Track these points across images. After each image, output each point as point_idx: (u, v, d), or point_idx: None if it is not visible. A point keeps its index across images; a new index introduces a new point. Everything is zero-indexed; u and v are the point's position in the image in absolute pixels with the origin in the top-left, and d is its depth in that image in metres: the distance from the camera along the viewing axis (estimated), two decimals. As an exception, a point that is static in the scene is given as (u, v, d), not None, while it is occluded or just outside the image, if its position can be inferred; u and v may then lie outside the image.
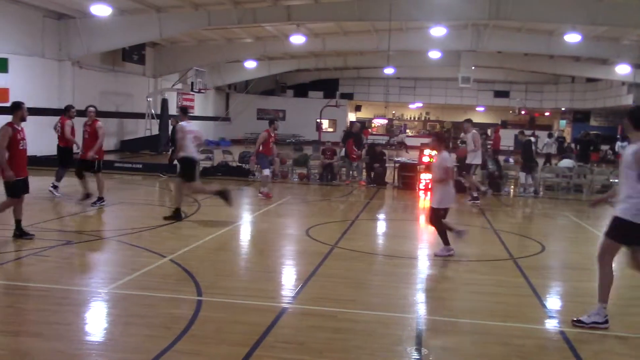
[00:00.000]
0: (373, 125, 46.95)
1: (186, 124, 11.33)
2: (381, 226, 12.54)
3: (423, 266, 8.50)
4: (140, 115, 30.15)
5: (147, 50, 30.51)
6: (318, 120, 41.29)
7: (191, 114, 38.65)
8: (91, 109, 12.68)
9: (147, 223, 10.46)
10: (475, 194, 14.86)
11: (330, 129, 43.77)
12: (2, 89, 21.25)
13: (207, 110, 40.67)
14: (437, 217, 8.83)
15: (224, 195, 11.27)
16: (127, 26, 24.42)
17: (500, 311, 6.39)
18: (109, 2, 20.43)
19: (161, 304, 6.15)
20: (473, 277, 7.63)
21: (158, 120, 30.19)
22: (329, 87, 44.82)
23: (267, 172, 14.82)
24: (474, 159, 15.01)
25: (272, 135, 14.74)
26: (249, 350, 4.99)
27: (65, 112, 13.99)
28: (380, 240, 11.06)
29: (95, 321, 5.87)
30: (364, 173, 18.96)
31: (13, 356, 4.70)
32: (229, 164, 19.53)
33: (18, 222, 8.88)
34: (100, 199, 12.23)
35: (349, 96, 45.53)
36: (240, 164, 19.57)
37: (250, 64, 36.36)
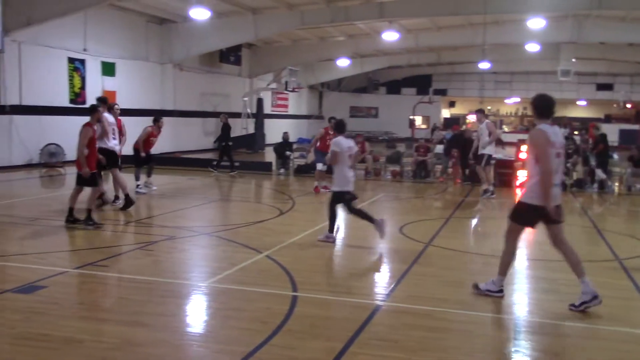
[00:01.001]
0: (468, 121, 45.98)
1: (108, 115, 11.42)
2: (477, 224, 12.29)
3: (520, 266, 8.26)
4: (237, 115, 30.96)
5: (243, 51, 31.31)
6: (411, 117, 40.94)
7: (285, 113, 39.52)
8: (116, 106, 12.76)
9: (244, 219, 10.75)
10: (488, 187, 14.58)
11: (424, 126, 43.26)
12: (110, 92, 22.48)
13: (301, 108, 41.23)
14: (332, 200, 9.21)
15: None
16: (224, 28, 25.17)
17: (606, 315, 6.10)
18: (207, 6, 21.12)
19: (258, 298, 6.32)
20: (574, 279, 7.34)
21: (254, 120, 30.93)
22: (422, 84, 44.32)
23: (320, 166, 14.89)
24: (487, 149, 14.58)
25: (330, 133, 14.67)
26: (344, 346, 5.03)
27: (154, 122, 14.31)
28: (476, 239, 10.85)
29: (196, 313, 6.12)
30: (459, 170, 18.62)
31: (124, 345, 4.98)
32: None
33: (71, 210, 9.78)
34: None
35: (442, 92, 44.83)
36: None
37: (343, 62, 36.52)
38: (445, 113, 46.61)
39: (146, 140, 13.90)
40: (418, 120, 43.66)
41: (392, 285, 6.94)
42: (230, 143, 19.20)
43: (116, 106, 12.60)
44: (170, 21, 25.24)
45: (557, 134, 6.13)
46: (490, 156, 14.79)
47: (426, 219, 11.69)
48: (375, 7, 22.85)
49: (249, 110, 30.95)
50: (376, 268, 8.20)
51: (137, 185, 13.68)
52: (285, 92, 32.87)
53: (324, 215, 11.52)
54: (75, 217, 9.74)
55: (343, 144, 9.17)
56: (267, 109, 34.14)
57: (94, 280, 6.94)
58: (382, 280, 7.52)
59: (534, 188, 6.01)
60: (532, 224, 6.36)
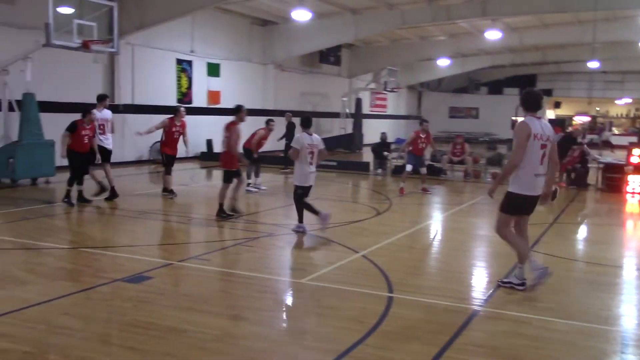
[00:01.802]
0: (574, 122, 44.00)
1: (98, 112, 11.93)
2: (582, 231, 11.75)
3: (630, 276, 7.84)
4: (335, 115, 31.22)
5: (342, 52, 31.50)
6: (513, 118, 39.68)
7: (383, 113, 39.32)
8: (182, 109, 13.27)
9: (341, 219, 10.83)
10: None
11: (527, 127, 41.77)
12: (215, 92, 23.29)
13: (399, 109, 40.98)
14: (295, 194, 9.42)
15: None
16: (325, 29, 25.42)
17: None
18: (309, 7, 21.42)
19: (353, 297, 6.36)
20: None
21: (352, 119, 31.05)
22: (525, 83, 42.66)
23: (409, 168, 14.76)
24: None
25: (422, 136, 14.56)
26: (439, 350, 4.97)
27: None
28: (581, 246, 10.38)
29: (293, 310, 6.25)
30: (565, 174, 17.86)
31: (224, 337, 5.15)
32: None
33: (221, 205, 10.47)
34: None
35: (547, 92, 43.09)
36: (431, 162, 19.47)
37: (443, 62, 35.95)
38: (550, 114, 44.80)
39: (258, 142, 14.32)
40: (521, 121, 42.28)
41: (491, 291, 6.78)
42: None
43: (182, 109, 13.15)
44: (273, 23, 25.81)
45: (544, 126, 6.42)
46: None
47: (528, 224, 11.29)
48: (478, 5, 22.32)
49: (347, 110, 31.10)
50: (474, 272, 8.04)
51: (248, 184, 14.09)
52: (384, 92, 32.78)
53: (422, 216, 11.46)
54: (226, 212, 10.44)
55: (304, 140, 9.27)
56: (366, 108, 34.17)
57: (196, 272, 7.22)
58: (480, 284, 7.36)
59: (521, 178, 6.41)
60: (522, 213, 6.70)
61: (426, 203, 13.55)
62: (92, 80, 18.49)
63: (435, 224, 11.32)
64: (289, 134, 19.51)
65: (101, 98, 12.56)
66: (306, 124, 9.66)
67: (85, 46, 14.04)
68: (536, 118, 6.43)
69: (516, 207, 6.67)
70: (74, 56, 15.68)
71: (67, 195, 11.35)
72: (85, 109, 11.61)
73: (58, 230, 9.71)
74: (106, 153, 12.15)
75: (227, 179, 10.50)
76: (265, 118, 15.27)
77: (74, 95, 17.35)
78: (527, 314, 5.95)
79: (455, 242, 9.82)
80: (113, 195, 12.02)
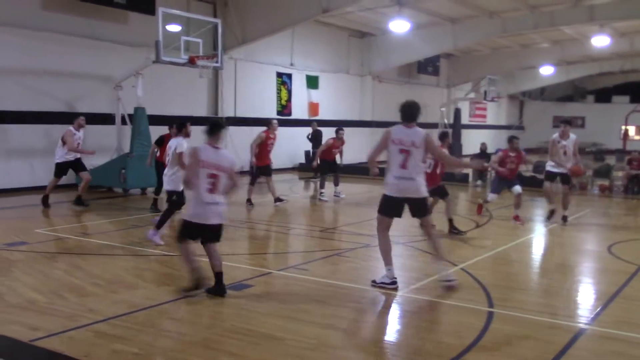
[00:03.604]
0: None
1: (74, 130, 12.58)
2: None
3: None
4: (434, 125, 30.82)
5: (441, 62, 31.18)
6: (623, 127, 37.74)
7: (483, 123, 38.44)
8: (274, 121, 13.52)
9: (439, 230, 10.67)
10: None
11: (637, 137, 39.58)
12: (314, 103, 23.68)
13: (500, 118, 39.96)
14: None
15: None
16: (423, 39, 25.26)
17: None
18: (407, 18, 21.36)
19: (452, 311, 6.25)
20: None
21: (451, 130, 30.57)
22: (636, 91, 40.54)
23: (492, 197, 12.21)
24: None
25: (511, 155, 11.87)
26: (542, 368, 4.80)
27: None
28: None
29: (390, 322, 6.22)
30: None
31: (320, 346, 5.21)
32: (522, 173, 18.90)
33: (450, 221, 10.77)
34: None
35: (661, 99, 40.66)
36: (534, 174, 18.82)
37: (546, 70, 34.73)
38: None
39: (326, 151, 14.69)
40: (631, 131, 40.10)
41: (599, 308, 6.45)
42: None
43: (274, 122, 13.41)
44: (371, 34, 25.95)
45: (408, 134, 6.88)
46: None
47: (639, 239, 10.70)
48: (585, 10, 21.41)
49: (446, 121, 30.68)
50: (580, 288, 7.68)
51: (321, 193, 14.37)
52: (484, 101, 32.08)
53: (524, 230, 11.09)
54: (457, 228, 10.55)
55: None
56: (465, 119, 33.58)
57: (294, 282, 7.34)
58: (586, 301, 7.03)
59: (388, 180, 6.91)
60: (394, 215, 7.01)
61: (528, 215, 13.11)
62: (197, 94, 19.32)
63: (538, 237, 10.92)
64: (315, 143, 20.01)
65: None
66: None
67: (191, 62, 14.71)
68: (405, 127, 6.95)
69: (387, 209, 7.01)
70: (181, 71, 16.47)
71: (154, 203, 12.26)
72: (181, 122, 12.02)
73: (164, 238, 10.17)
74: None
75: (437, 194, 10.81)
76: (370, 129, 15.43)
77: (181, 109, 18.19)
78: (639, 335, 5.63)
79: (560, 256, 9.44)
80: None
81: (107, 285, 6.89)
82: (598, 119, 41.51)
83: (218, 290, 6.44)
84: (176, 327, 5.61)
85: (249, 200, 13.15)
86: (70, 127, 12.64)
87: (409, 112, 7.05)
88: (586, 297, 7.23)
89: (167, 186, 9.34)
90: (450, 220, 10.54)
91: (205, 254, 6.60)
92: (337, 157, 15.17)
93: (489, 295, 6.74)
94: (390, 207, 6.98)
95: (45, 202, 12.43)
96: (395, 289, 6.82)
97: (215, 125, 6.59)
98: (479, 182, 19.05)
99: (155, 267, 7.98)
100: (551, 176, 11.92)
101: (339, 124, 17.49)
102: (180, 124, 9.46)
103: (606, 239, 10.48)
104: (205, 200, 6.35)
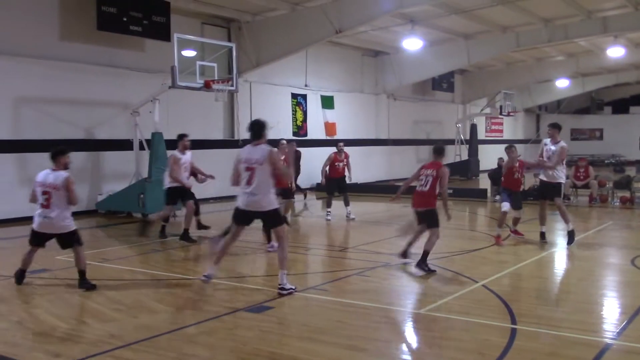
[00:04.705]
0: None
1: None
2: None
3: None
4: (450, 142, 30.77)
5: (455, 78, 31.18)
6: (644, 138, 37.43)
7: (500, 138, 38.29)
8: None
9: (458, 247, 10.61)
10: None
11: (657, 147, 39.17)
12: (330, 123, 23.77)
13: (517, 133, 39.77)
14: None
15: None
16: (436, 56, 25.31)
17: None
18: (420, 36, 21.44)
19: (474, 329, 6.18)
20: None
21: (467, 146, 30.49)
22: (655, 101, 40.23)
23: (506, 207, 11.27)
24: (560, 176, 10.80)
25: (515, 165, 11.40)
26: (569, 385, 4.72)
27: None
28: None
29: (412, 341, 6.16)
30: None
31: (342, 366, 5.19)
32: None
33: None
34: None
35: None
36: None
37: (562, 83, 34.58)
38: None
39: (331, 167, 14.61)
40: (650, 141, 39.74)
41: (624, 323, 6.34)
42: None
43: (283, 142, 12.37)
44: (384, 53, 26.05)
45: (252, 152, 7.46)
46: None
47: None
48: (598, 23, 21.34)
49: (461, 137, 30.60)
50: (604, 302, 7.56)
51: (327, 212, 14.35)
52: (500, 116, 31.96)
53: (545, 244, 10.96)
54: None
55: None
56: (481, 134, 33.45)
57: (315, 303, 7.32)
58: (611, 316, 6.91)
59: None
60: (243, 223, 7.69)
61: (549, 230, 12.97)
62: (214, 117, 19.47)
63: (560, 252, 10.79)
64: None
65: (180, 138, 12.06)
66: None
67: (207, 86, 14.85)
68: (252, 146, 7.50)
69: (236, 217, 7.69)
70: (197, 96, 16.63)
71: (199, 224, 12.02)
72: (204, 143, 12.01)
73: (184, 262, 10.21)
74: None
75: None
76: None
77: (198, 133, 18.29)
78: (666, 349, 5.53)
79: (583, 270, 9.33)
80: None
81: (128, 310, 6.91)
82: (616, 131, 41.15)
83: None
84: (198, 351, 5.60)
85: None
86: (175, 152, 11.62)
87: (254, 130, 7.59)
88: (611, 311, 7.12)
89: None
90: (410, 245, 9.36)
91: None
92: (346, 174, 14.77)
93: (511, 311, 6.66)
94: (238, 217, 7.67)
95: (162, 233, 11.78)
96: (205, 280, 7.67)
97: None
98: (497, 197, 18.89)
99: (176, 291, 8.00)
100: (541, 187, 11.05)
101: (355, 143, 17.52)
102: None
103: (629, 252, 10.34)
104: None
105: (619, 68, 33.28)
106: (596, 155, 37.54)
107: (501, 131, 37.58)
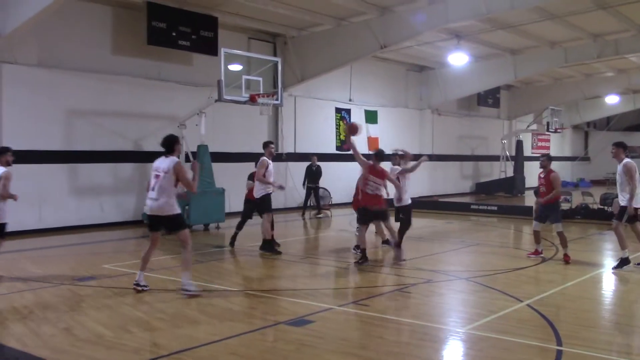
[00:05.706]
0: None
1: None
2: None
3: None
4: (495, 158, 30.39)
5: (501, 93, 30.83)
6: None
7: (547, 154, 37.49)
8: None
9: (502, 265, 10.44)
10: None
11: None
12: (373, 138, 23.74)
13: (564, 150, 39.03)
14: None
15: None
16: (482, 72, 25.10)
17: None
18: (466, 51, 21.30)
19: (518, 349, 6.06)
20: None
21: (513, 162, 30.04)
22: None
23: (537, 226, 11.29)
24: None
25: (541, 177, 11.02)
26: (616, 411, 4.58)
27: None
28: None
29: (453, 359, 6.07)
30: None
31: (382, 383, 5.15)
32: (589, 206, 18.34)
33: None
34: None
35: None
36: (601, 207, 18.22)
37: (612, 99, 33.82)
38: None
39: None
40: None
41: (676, 348, 6.14)
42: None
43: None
44: (429, 68, 25.96)
45: (162, 162, 8.17)
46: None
47: None
48: (650, 37, 20.88)
49: (507, 153, 30.18)
50: (655, 326, 7.33)
51: (358, 228, 14.01)
52: (547, 133, 31.41)
53: (593, 264, 10.70)
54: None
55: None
56: (527, 150, 32.93)
57: (356, 318, 7.30)
58: (662, 341, 6.69)
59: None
60: (151, 229, 8.43)
61: (597, 249, 12.67)
62: (258, 131, 19.68)
63: (607, 272, 10.50)
64: (309, 178, 19.33)
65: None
66: None
67: (252, 99, 15.04)
68: (164, 157, 8.20)
69: (148, 225, 8.65)
70: (242, 109, 16.85)
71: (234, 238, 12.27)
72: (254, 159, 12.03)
73: (227, 273, 10.32)
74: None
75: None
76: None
77: (243, 146, 18.56)
78: None
79: (633, 292, 9.05)
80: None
81: (171, 320, 7.02)
82: (668, 149, 39.93)
83: None
84: (238, 362, 5.64)
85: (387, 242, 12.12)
86: (264, 158, 11.39)
87: (166, 144, 8.29)
88: (662, 336, 6.89)
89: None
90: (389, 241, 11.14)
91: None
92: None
93: (557, 332, 6.51)
94: (148, 223, 8.58)
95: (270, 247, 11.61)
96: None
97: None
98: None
99: (217, 302, 8.07)
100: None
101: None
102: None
103: (682, 274, 9.99)
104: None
105: (673, 84, 32.39)
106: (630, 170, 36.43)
107: (548, 148, 36.91)
